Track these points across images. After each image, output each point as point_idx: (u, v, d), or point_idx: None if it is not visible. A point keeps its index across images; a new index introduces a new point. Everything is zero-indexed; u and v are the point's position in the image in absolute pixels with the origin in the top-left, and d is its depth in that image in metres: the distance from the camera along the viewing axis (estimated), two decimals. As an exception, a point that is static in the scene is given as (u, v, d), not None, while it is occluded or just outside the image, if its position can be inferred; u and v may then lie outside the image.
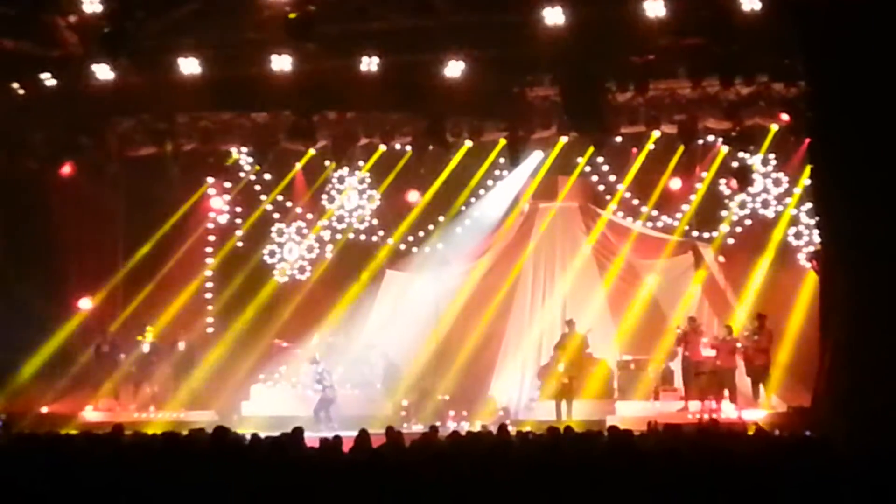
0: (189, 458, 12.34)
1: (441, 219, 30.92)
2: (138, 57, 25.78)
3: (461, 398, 29.56)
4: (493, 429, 18.77)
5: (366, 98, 26.69)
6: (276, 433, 14.30)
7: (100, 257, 30.20)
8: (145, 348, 29.11)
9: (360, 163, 31.31)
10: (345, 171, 31.55)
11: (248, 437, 14.76)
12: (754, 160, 29.00)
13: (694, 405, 26.65)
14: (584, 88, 26.02)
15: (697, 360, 26.91)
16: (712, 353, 26.83)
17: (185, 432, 15.57)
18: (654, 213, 29.90)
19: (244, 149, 30.97)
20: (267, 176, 31.48)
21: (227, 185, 31.65)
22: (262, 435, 14.38)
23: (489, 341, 30.32)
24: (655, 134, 28.83)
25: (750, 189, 29.21)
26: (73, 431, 21.70)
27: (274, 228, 31.81)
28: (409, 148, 30.04)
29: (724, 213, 29.58)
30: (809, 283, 27.14)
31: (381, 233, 31.47)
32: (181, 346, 29.33)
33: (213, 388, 29.46)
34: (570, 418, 26.10)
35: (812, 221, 27.58)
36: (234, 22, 25.59)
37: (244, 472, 10.96)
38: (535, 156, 30.04)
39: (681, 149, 28.87)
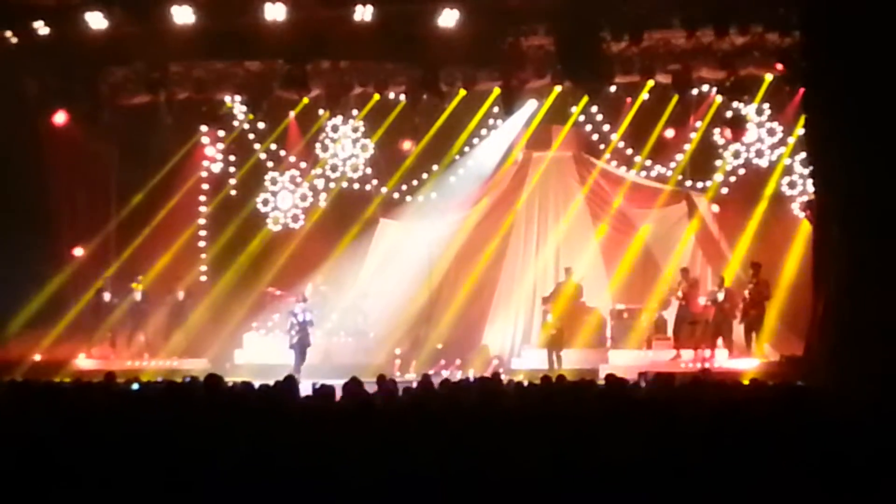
0: (181, 405, 12.37)
1: (435, 168, 30.83)
2: (132, 5, 25.74)
3: (454, 347, 29.60)
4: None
5: (360, 47, 26.62)
6: (269, 381, 14.29)
7: (93, 206, 30.16)
8: (138, 297, 29.18)
9: (354, 112, 31.17)
10: (339, 119, 31.45)
11: (240, 384, 14.73)
12: (748, 110, 28.94)
13: (687, 354, 26.74)
14: (579, 38, 25.96)
15: (695, 311, 27.03)
16: (710, 304, 26.92)
17: (178, 380, 15.59)
18: (648, 162, 29.87)
19: (238, 97, 30.80)
20: (261, 125, 31.33)
21: (221, 133, 31.49)
22: (255, 383, 14.36)
23: (482, 290, 30.41)
24: (650, 83, 28.77)
25: (744, 139, 29.20)
26: (67, 379, 21.71)
27: (267, 177, 31.73)
28: (403, 97, 29.94)
29: (718, 162, 29.57)
30: (803, 233, 27.26)
31: (374, 181, 31.39)
32: (180, 295, 29.43)
33: (206, 336, 29.61)
34: (560, 367, 26.19)
35: (806, 171, 27.55)
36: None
37: (235, 420, 10.97)
38: (530, 105, 29.93)
39: (675, 98, 28.86)
